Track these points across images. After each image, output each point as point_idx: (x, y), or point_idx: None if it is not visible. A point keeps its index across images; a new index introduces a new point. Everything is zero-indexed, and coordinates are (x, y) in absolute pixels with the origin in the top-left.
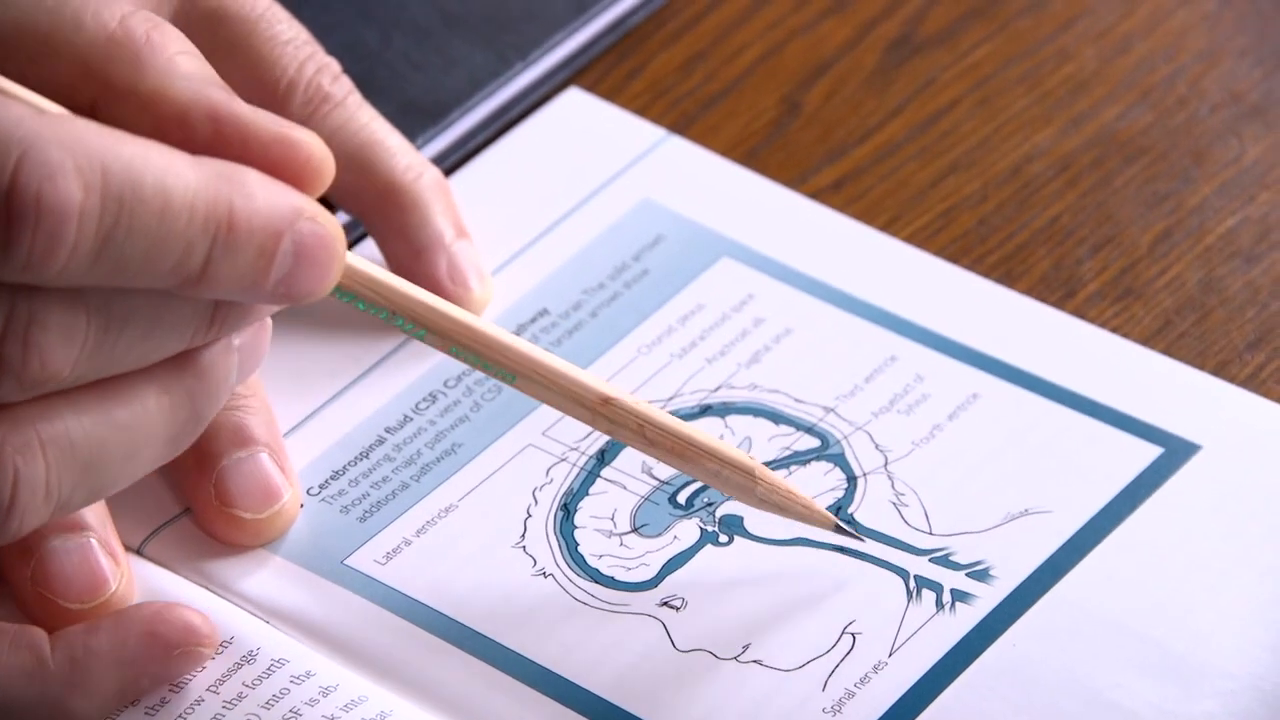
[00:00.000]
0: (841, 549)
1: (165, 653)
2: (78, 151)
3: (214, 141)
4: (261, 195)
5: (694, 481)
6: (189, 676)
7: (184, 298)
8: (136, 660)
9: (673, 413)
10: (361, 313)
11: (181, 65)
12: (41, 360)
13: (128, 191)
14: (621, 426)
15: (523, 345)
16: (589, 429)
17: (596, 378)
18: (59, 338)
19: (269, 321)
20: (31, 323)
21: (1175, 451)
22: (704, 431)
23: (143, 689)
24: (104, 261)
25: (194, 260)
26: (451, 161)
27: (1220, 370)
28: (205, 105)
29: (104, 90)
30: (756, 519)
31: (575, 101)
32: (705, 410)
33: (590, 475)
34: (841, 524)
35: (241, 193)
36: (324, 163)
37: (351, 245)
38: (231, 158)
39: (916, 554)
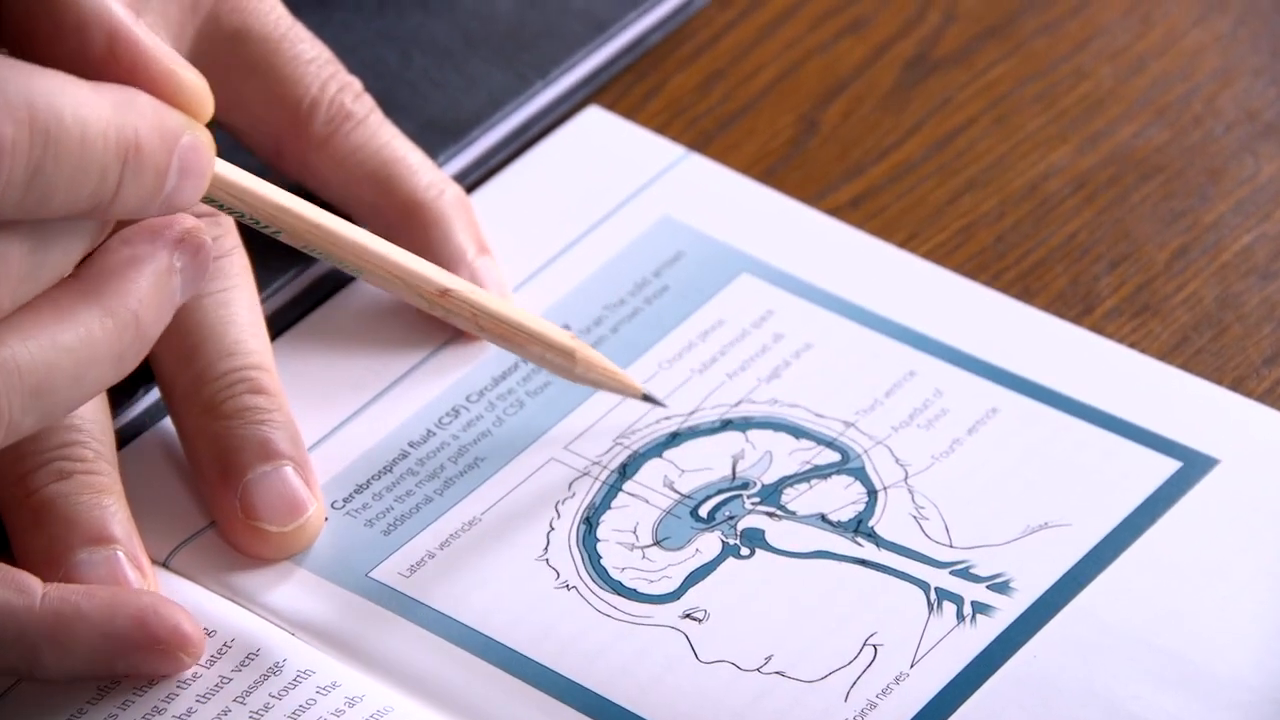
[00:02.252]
0: (863, 561)
1: (148, 642)
2: (5, 89)
3: (105, 59)
4: (155, 118)
5: (715, 495)
6: (215, 688)
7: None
8: (119, 638)
9: (694, 427)
10: (388, 327)
11: None
12: None
13: (52, 124)
14: (457, 315)
15: (369, 241)
16: (611, 444)
17: (439, 271)
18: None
19: (208, 241)
20: None
21: (1193, 465)
22: (533, 318)
23: (115, 670)
24: (33, 193)
25: (108, 185)
26: (473, 179)
27: (1237, 385)
28: (105, 21)
29: None
30: (778, 532)
31: (595, 119)
32: (726, 425)
33: (612, 489)
34: (649, 394)
35: (142, 116)
36: (204, 101)
37: None
38: (119, 78)
39: (937, 566)
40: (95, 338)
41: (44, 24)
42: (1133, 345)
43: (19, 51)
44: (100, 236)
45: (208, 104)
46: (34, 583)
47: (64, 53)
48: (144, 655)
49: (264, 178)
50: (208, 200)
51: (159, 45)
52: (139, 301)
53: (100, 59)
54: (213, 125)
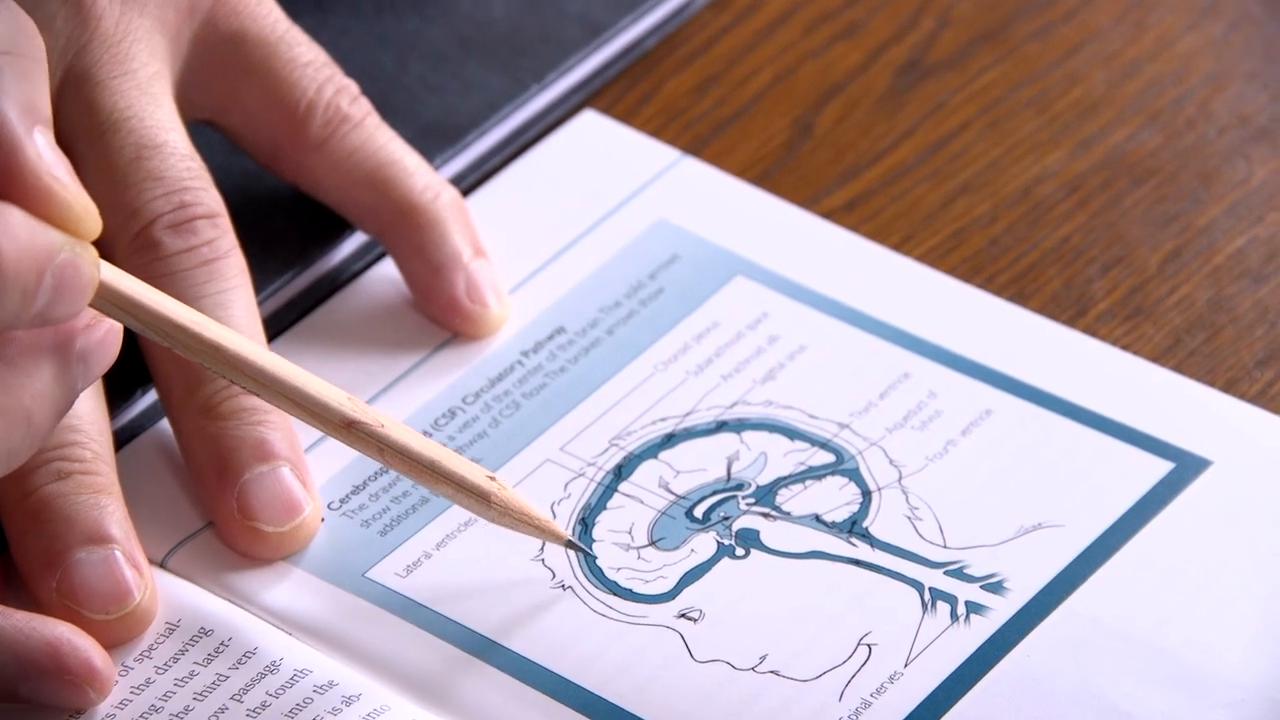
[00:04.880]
0: (857, 562)
1: (56, 670)
2: None
3: None
4: (25, 237)
5: (710, 496)
6: (212, 685)
7: None
8: (28, 661)
9: (689, 429)
10: (384, 329)
11: None
12: None
13: None
14: (364, 447)
15: (268, 364)
16: (606, 446)
17: (343, 398)
18: None
19: (116, 328)
20: None
21: (1186, 467)
22: (446, 453)
23: (17, 693)
24: None
25: None
26: (469, 183)
27: (1230, 388)
28: None
29: None
30: (773, 533)
31: (591, 123)
32: (721, 426)
33: (608, 490)
34: (573, 540)
35: (8, 235)
36: (83, 220)
37: (370, 264)
38: None
39: (931, 567)
40: None
41: None
42: (1126, 348)
43: None
44: None
45: (88, 221)
46: None
47: None
48: (50, 683)
49: (260, 180)
50: (96, 309)
51: (43, 159)
52: (32, 399)
53: None
54: (210, 128)
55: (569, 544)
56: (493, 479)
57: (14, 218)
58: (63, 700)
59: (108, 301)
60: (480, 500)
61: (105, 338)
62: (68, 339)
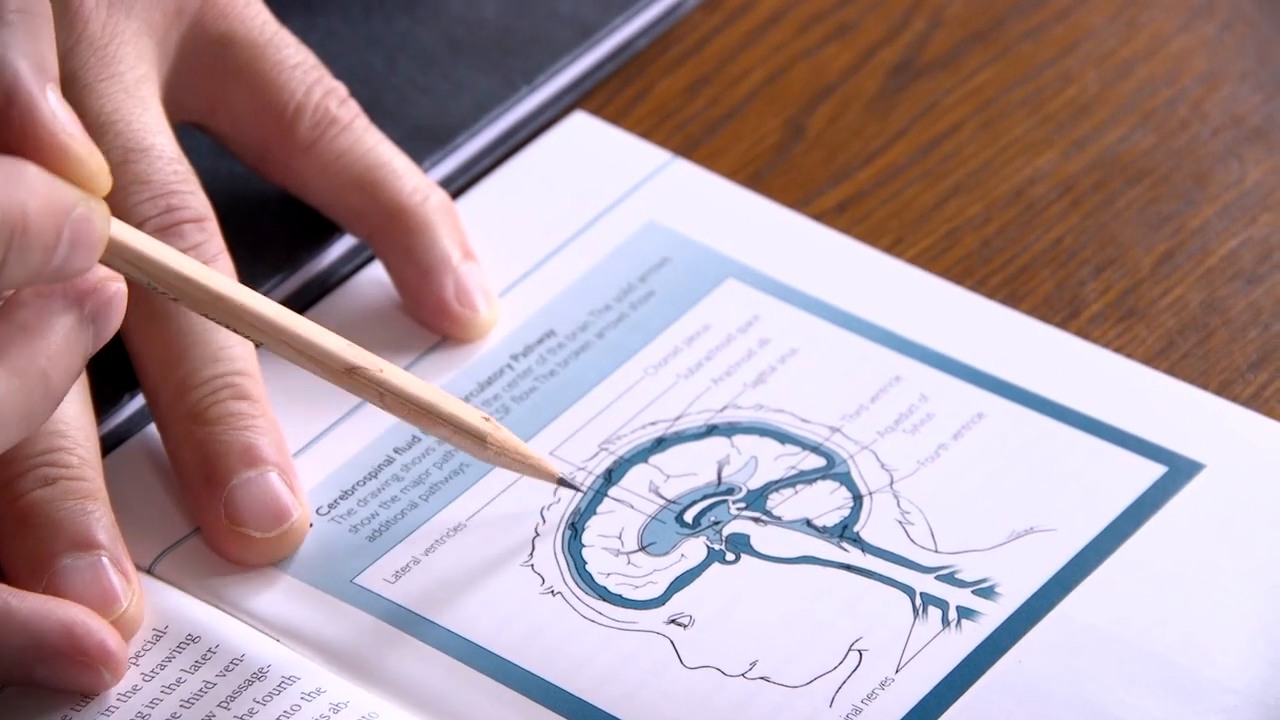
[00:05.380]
0: (848, 567)
1: (72, 652)
2: None
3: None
4: (44, 192)
5: (700, 501)
6: (199, 693)
7: None
8: (44, 643)
9: (679, 432)
10: (373, 332)
11: (4, 30)
12: None
13: None
14: (364, 393)
15: (272, 313)
16: (596, 450)
17: (344, 344)
18: None
19: (122, 289)
20: None
21: (1179, 470)
22: (444, 396)
23: (33, 676)
24: None
25: None
26: (458, 185)
27: (1223, 390)
28: (6, 85)
29: None
30: (763, 538)
31: (581, 125)
32: (711, 430)
33: (598, 495)
34: (564, 478)
35: (29, 190)
36: (96, 175)
37: (359, 267)
38: (9, 143)
39: (922, 571)
40: (3, 399)
41: None
42: (1118, 350)
43: None
44: None
45: (101, 178)
46: None
47: None
48: (65, 665)
49: (248, 183)
50: (106, 265)
51: (57, 115)
52: (48, 359)
53: None
54: (198, 130)
55: (560, 481)
56: (488, 420)
57: (33, 173)
58: (77, 682)
59: (117, 256)
60: (477, 441)
61: (112, 299)
62: (78, 301)
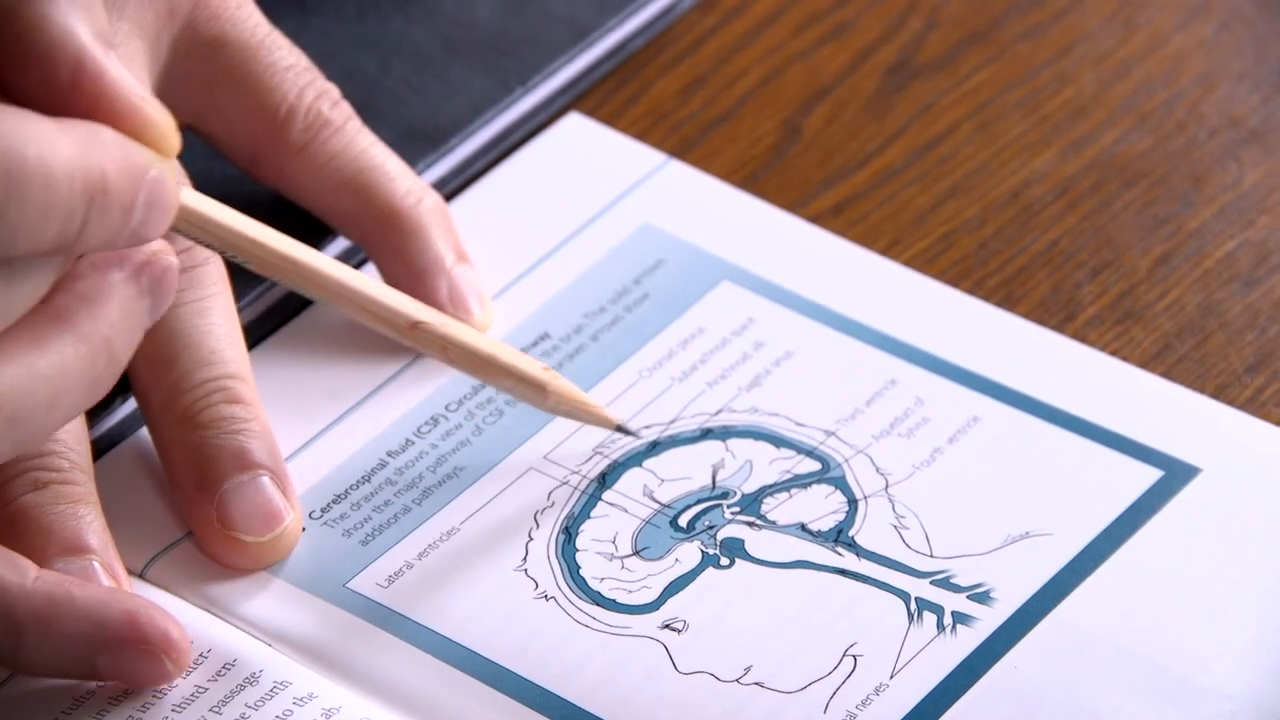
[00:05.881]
0: (843, 571)
1: (135, 639)
2: None
3: (69, 89)
4: (121, 155)
5: (695, 505)
6: (191, 698)
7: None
8: (107, 630)
9: (673, 436)
10: (366, 336)
11: (64, 3)
12: None
13: (15, 169)
14: (429, 347)
15: (339, 273)
16: (590, 454)
17: (410, 302)
18: None
19: (174, 263)
20: None
21: (1175, 474)
22: (504, 348)
23: (95, 667)
24: None
25: (74, 225)
26: (452, 187)
27: (1220, 393)
28: (73, 51)
29: None
30: (758, 542)
31: (576, 126)
32: (706, 434)
33: (591, 499)
34: (623, 424)
35: (108, 155)
36: (168, 136)
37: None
38: (82, 109)
39: (918, 576)
40: (69, 364)
41: (11, 49)
42: (1115, 353)
43: None
44: (67, 266)
45: (172, 138)
46: (27, 564)
47: (29, 80)
48: (129, 654)
49: (241, 185)
50: (175, 231)
51: (125, 78)
52: (110, 327)
53: (65, 89)
54: (190, 132)
55: (618, 428)
56: (547, 370)
57: (109, 137)
58: (140, 673)
59: (185, 221)
60: (538, 390)
61: (167, 271)
62: (135, 273)
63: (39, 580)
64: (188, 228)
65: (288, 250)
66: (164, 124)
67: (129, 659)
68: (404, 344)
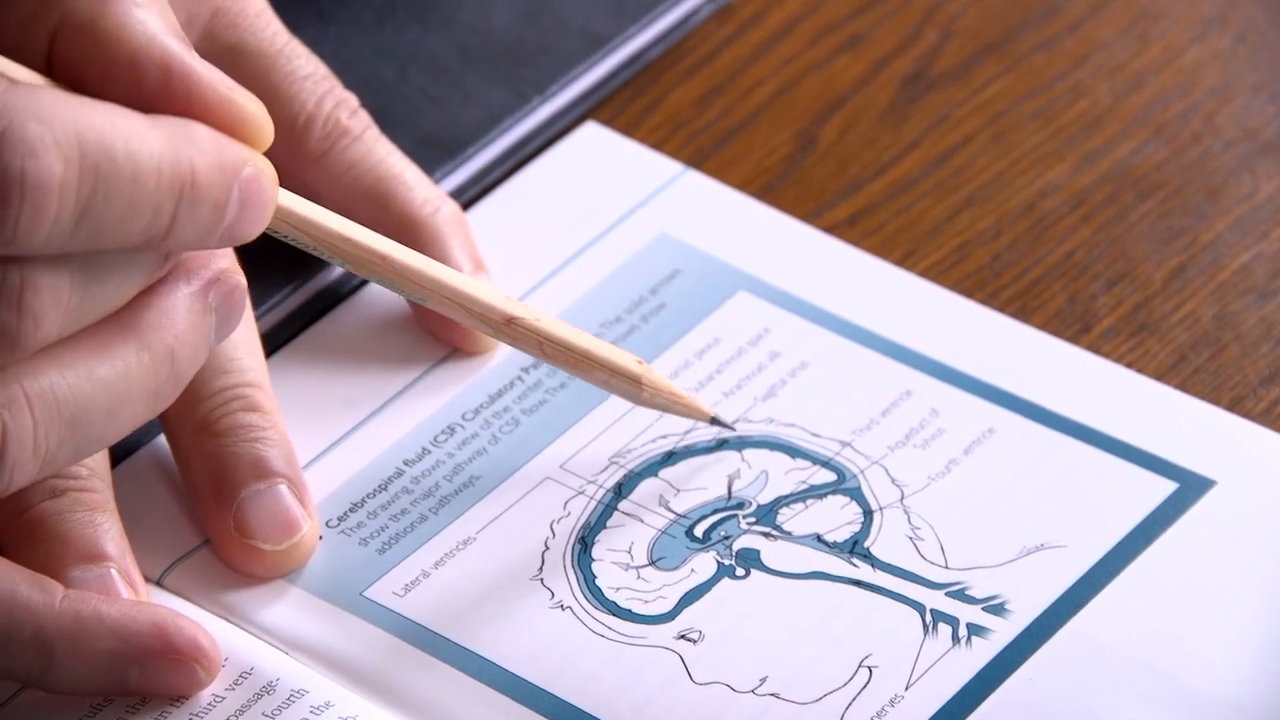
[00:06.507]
0: (858, 582)
1: (165, 650)
2: (55, 125)
3: (160, 92)
4: (214, 150)
5: (711, 515)
6: (209, 706)
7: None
8: (136, 644)
9: (689, 446)
10: (383, 344)
11: (141, 10)
12: (35, 323)
13: (103, 162)
14: (524, 343)
15: (433, 270)
16: (606, 463)
17: (502, 297)
18: (49, 301)
19: (243, 282)
20: (24, 289)
21: (1190, 487)
22: (598, 343)
23: (127, 681)
24: (82, 229)
25: (162, 220)
26: (469, 196)
27: (1235, 405)
28: (159, 54)
29: (63, 21)
30: (773, 553)
31: (592, 136)
32: (722, 444)
33: (607, 509)
34: (717, 416)
35: (199, 150)
36: (263, 128)
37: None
38: (175, 110)
39: (933, 588)
40: (132, 373)
41: (96, 60)
42: (1130, 365)
43: (73, 89)
44: (160, 270)
45: (267, 131)
46: (54, 584)
47: (118, 89)
48: (159, 665)
49: None
50: (269, 230)
51: (214, 74)
52: (175, 338)
53: (155, 92)
54: None
55: (713, 420)
56: (641, 363)
57: (200, 132)
58: (172, 683)
59: (279, 219)
60: (633, 383)
61: (234, 291)
62: (203, 289)
63: (66, 600)
64: (282, 227)
65: (382, 248)
66: (258, 115)
67: (160, 670)
68: (498, 340)
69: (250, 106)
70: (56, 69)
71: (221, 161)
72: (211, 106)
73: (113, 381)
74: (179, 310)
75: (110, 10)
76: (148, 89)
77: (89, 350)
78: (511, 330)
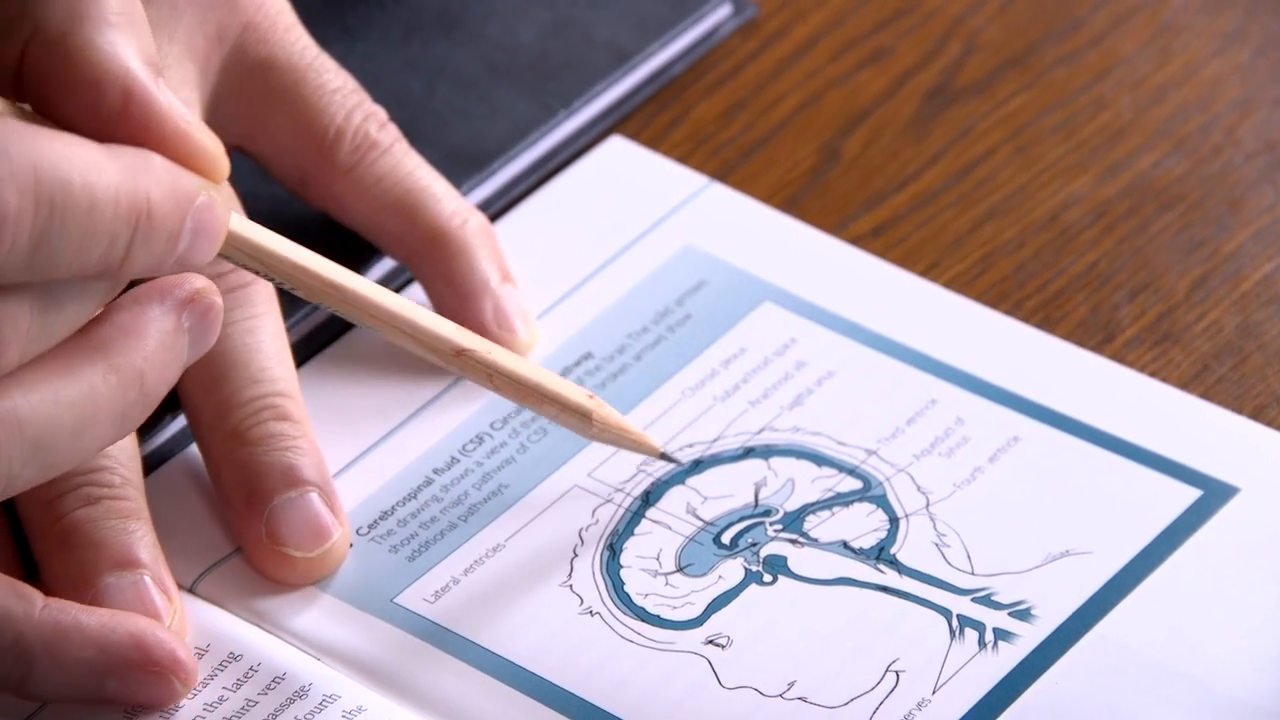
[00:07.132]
0: (885, 588)
1: (143, 662)
2: (12, 156)
3: (118, 115)
4: (169, 181)
5: (738, 522)
6: (241, 711)
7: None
8: (115, 654)
9: (716, 455)
10: (411, 355)
11: (113, 31)
12: None
13: (58, 193)
14: (474, 374)
15: (383, 299)
16: (634, 471)
17: (453, 328)
18: (8, 329)
19: (219, 301)
20: None
21: (1214, 494)
22: (550, 376)
23: (105, 690)
24: (38, 259)
25: (117, 250)
26: (496, 208)
27: (1258, 414)
28: (121, 77)
29: (35, 32)
30: (800, 559)
31: (618, 149)
32: (748, 452)
33: (635, 516)
34: (666, 452)
35: (155, 181)
36: (218, 163)
37: (399, 289)
38: (131, 135)
39: (959, 594)
40: (98, 394)
41: (61, 77)
42: (1153, 374)
43: (36, 104)
44: (113, 293)
45: (222, 165)
46: (34, 593)
47: (78, 107)
48: (137, 675)
49: (289, 206)
50: (222, 256)
51: (174, 105)
52: (144, 360)
53: (113, 116)
54: (239, 154)
55: (662, 455)
56: (592, 397)
57: (157, 163)
58: (149, 694)
59: (233, 247)
60: (582, 418)
61: (209, 311)
62: (176, 309)
63: (46, 609)
64: (235, 253)
65: (334, 276)
66: (213, 150)
67: (137, 681)
68: (449, 370)
69: (205, 140)
70: (25, 80)
71: (176, 192)
72: (168, 137)
73: (79, 403)
74: (150, 332)
75: (81, 28)
76: (106, 111)
77: (55, 371)
78: (461, 361)
